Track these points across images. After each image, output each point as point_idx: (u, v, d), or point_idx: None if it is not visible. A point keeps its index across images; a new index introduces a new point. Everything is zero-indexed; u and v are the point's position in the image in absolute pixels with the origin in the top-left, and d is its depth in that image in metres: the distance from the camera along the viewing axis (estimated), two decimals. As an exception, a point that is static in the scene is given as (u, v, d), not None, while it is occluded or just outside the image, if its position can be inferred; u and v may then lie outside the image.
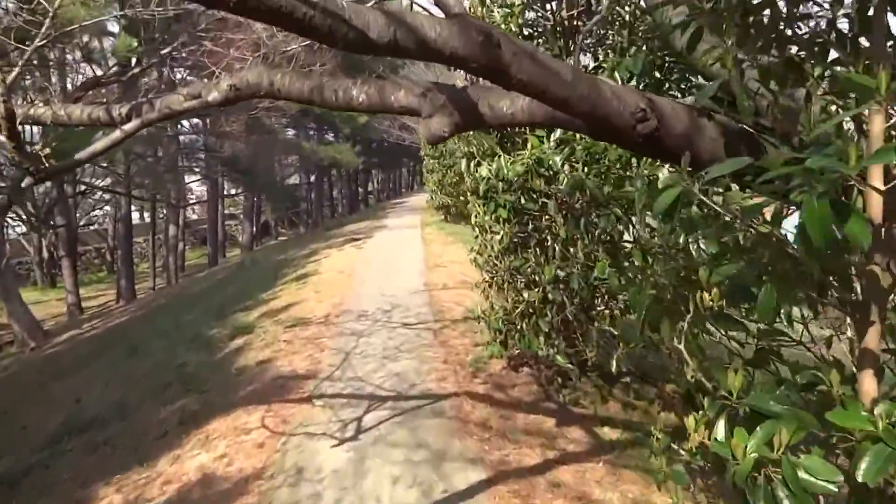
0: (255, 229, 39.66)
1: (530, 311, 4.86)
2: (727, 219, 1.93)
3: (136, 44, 17.38)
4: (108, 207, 36.07)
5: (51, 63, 17.86)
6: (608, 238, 4.11)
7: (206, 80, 3.30)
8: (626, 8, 4.48)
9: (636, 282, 3.44)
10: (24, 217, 22.02)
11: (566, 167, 4.20)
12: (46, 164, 2.59)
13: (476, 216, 5.64)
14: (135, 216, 39.10)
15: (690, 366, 2.20)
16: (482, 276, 5.87)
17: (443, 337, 7.01)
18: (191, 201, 36.97)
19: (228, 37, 15.32)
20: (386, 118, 34.68)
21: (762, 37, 2.05)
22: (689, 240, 2.35)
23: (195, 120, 28.92)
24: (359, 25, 1.63)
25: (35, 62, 16.07)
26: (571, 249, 4.45)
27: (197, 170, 32.25)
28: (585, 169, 4.02)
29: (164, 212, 33.23)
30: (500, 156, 4.72)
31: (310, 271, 12.74)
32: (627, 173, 3.91)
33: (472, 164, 5.31)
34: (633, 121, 2.09)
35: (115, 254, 30.43)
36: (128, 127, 2.63)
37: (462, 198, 19.80)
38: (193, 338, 9.46)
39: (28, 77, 15.25)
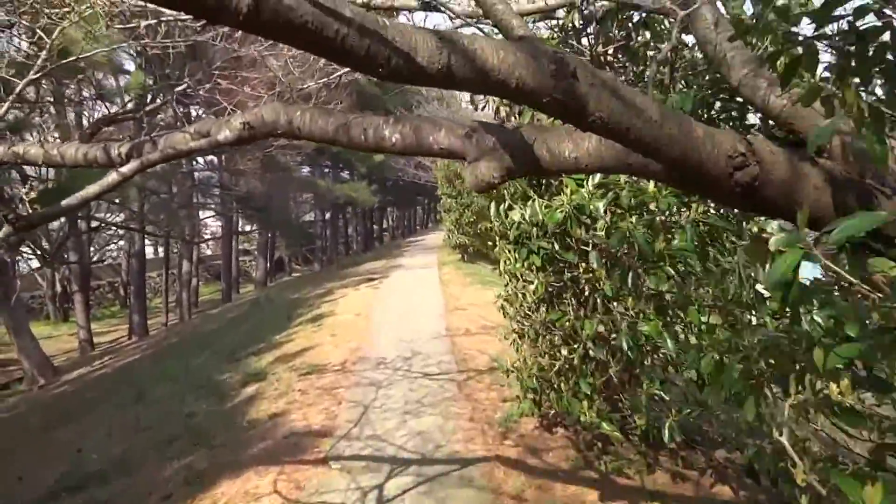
0: (269, 265, 39.51)
1: (568, 369, 4.44)
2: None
3: (150, 81, 17.48)
4: (122, 242, 36.11)
5: (67, 100, 17.95)
6: (658, 293, 3.70)
7: (215, 117, 2.94)
8: (667, 43, 4.15)
9: (700, 347, 3.02)
10: (37, 252, 21.91)
11: (609, 215, 3.82)
12: (30, 210, 2.25)
13: (506, 263, 5.26)
14: (149, 251, 39.19)
15: (801, 466, 1.78)
16: (511, 325, 5.46)
17: (468, 389, 6.56)
18: (205, 238, 36.89)
19: (243, 75, 15.30)
20: (402, 157, 34.70)
21: (870, 68, 1.69)
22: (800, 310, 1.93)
23: (210, 157, 29.02)
24: (404, 48, 1.28)
25: (50, 99, 16.15)
26: (615, 303, 4.05)
27: (212, 206, 32.26)
28: (632, 218, 3.63)
29: (178, 247, 33.16)
30: (533, 199, 4.35)
31: (325, 312, 12.37)
32: (677, 222, 3.52)
33: (501, 208, 4.95)
34: (729, 167, 1.71)
35: (129, 289, 30.32)
36: (126, 169, 2.29)
37: (480, 237, 19.49)
38: (203, 383, 9.07)
39: (43, 113, 15.27)
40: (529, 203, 4.38)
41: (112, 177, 2.25)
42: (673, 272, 3.48)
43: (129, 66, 20.01)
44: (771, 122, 2.35)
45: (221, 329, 15.50)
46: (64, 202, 2.26)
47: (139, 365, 14.66)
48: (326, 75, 18.20)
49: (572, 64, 1.42)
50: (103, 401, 11.14)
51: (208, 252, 48.46)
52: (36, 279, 30.87)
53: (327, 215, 46.93)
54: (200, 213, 33.79)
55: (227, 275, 35.23)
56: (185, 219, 29.02)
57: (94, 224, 26.53)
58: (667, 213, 3.55)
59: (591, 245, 4.19)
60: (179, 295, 30.19)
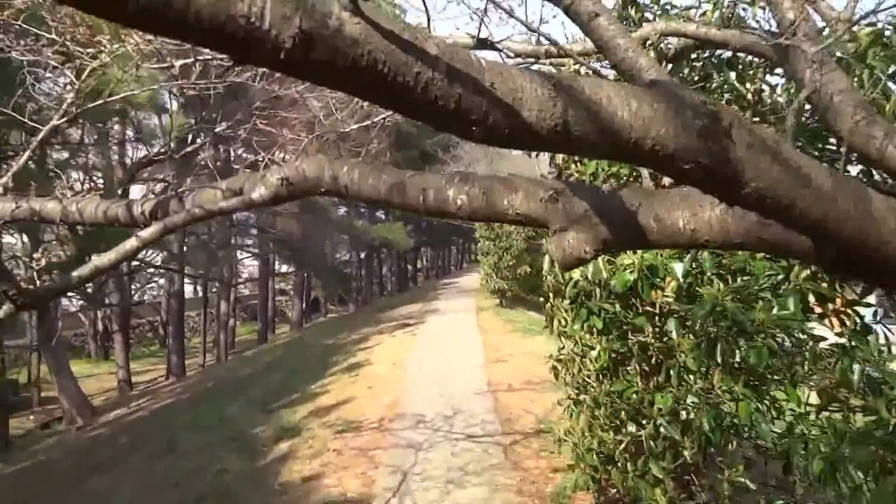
0: (304, 306, 39.49)
1: (635, 447, 3.96)
2: None
3: (190, 121, 17.68)
4: (162, 281, 36.55)
5: (110, 140, 18.23)
6: (748, 368, 3.23)
7: (248, 171, 2.60)
8: (750, 85, 3.74)
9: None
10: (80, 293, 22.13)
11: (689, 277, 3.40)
12: (37, 282, 1.94)
13: (560, 323, 4.84)
14: (188, 290, 39.51)
15: None
16: (566, 391, 5.00)
17: (514, 456, 6.07)
18: (243, 279, 37.08)
19: (283, 115, 15.32)
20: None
21: None
22: None
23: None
24: (506, 98, 0.91)
25: (91, 142, 16.36)
26: (691, 376, 3.59)
27: (249, 245, 32.47)
28: (720, 285, 3.20)
29: (216, 288, 33.35)
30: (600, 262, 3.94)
31: (361, 361, 12.00)
32: (771, 288, 3.08)
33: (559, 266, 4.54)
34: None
35: (168, 328, 30.45)
36: (146, 234, 1.97)
37: (519, 282, 19.03)
38: (236, 436, 8.72)
39: (83, 156, 15.44)
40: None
41: (130, 243, 1.93)
42: (775, 346, 3.02)
43: (172, 105, 20.29)
44: (889, 176, 1.94)
45: (256, 374, 15.22)
46: (76, 273, 1.95)
47: (173, 410, 14.43)
48: (366, 115, 18.22)
49: (727, 119, 1.04)
50: (137, 448, 10.91)
51: (245, 292, 48.79)
52: (79, 318, 31.30)
53: (362, 255, 46.98)
54: (238, 253, 34.09)
55: (263, 315, 35.29)
56: (223, 259, 29.22)
57: (134, 264, 26.88)
58: (765, 281, 3.12)
59: (662, 308, 3.77)
60: (217, 335, 30.21)
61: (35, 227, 15.65)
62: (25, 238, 16.12)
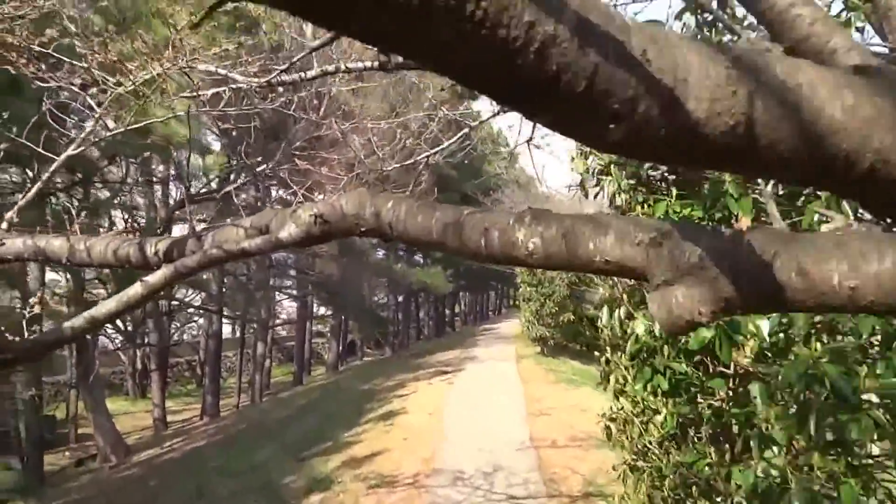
0: (340, 348, 39.27)
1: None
2: None
3: (232, 161, 17.79)
4: (201, 321, 36.83)
5: (154, 179, 18.47)
6: (852, 443, 2.76)
7: (277, 207, 2.29)
8: None
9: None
10: (120, 330, 22.28)
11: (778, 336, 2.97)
12: (19, 339, 1.64)
13: (617, 380, 4.41)
14: (226, 330, 39.73)
15: None
16: (622, 455, 4.53)
17: (562, 523, 5.58)
18: (280, 321, 37.13)
19: (323, 155, 15.31)
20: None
21: None
22: None
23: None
24: (666, 80, 0.57)
25: (136, 180, 16.54)
26: (776, 449, 3.12)
27: (288, 286, 32.56)
28: (816, 345, 2.76)
29: (254, 329, 33.43)
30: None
31: (396, 409, 11.58)
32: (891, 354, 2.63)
33: (616, 314, 4.15)
34: None
35: (205, 368, 30.51)
36: (153, 279, 1.67)
37: (562, 329, 18.45)
38: (265, 485, 8.35)
39: (126, 194, 15.59)
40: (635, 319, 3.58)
41: (135, 289, 1.63)
42: (883, 419, 2.56)
43: (215, 145, 20.54)
44: None
45: (290, 418, 14.90)
46: (68, 324, 1.65)
47: (205, 452, 14.15)
48: (409, 154, 18.12)
49: None
50: (166, 490, 10.62)
51: (283, 333, 48.90)
52: (119, 356, 31.64)
53: (400, 299, 46.76)
54: (277, 295, 34.19)
55: (300, 357, 35.19)
56: (261, 301, 29.29)
57: (174, 304, 27.15)
58: (865, 337, 2.67)
59: (740, 370, 3.33)
60: (252, 376, 30.12)
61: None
62: (69, 276, 16.31)
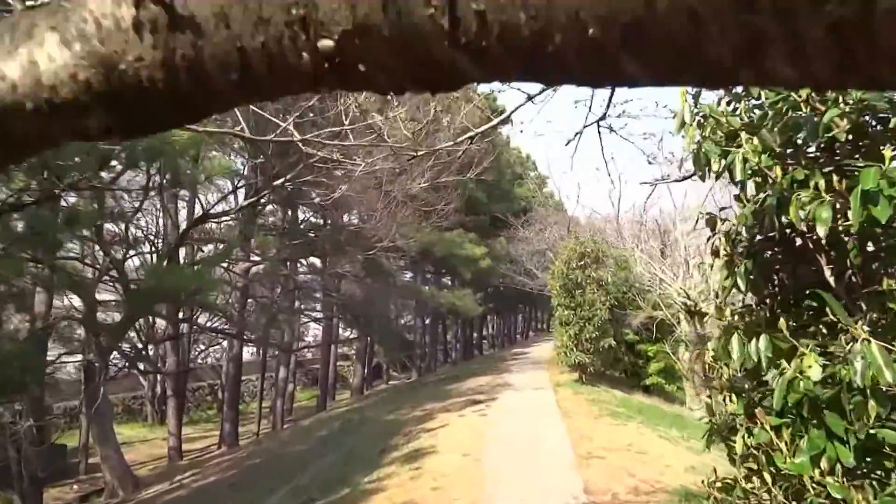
0: (366, 372, 38.02)
1: None
2: None
3: (253, 176, 16.73)
4: (225, 343, 35.86)
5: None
6: None
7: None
8: None
9: None
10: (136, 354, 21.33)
11: None
12: None
13: (748, 444, 3.09)
14: (248, 353, 38.79)
15: None
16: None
17: None
18: (304, 345, 35.97)
19: (349, 166, 14.20)
20: (507, 261, 32.98)
21: None
22: None
23: (312, 259, 28.43)
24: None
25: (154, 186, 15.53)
26: None
27: (312, 311, 31.43)
28: None
29: (276, 352, 32.34)
30: (859, 343, 2.22)
31: (425, 447, 10.24)
32: None
33: (754, 344, 2.84)
34: None
35: (224, 394, 29.48)
36: None
37: (602, 355, 16.98)
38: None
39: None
40: (852, 348, 2.25)
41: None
42: None
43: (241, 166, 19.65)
44: None
45: (307, 453, 13.67)
46: None
47: (215, 491, 12.96)
48: (438, 174, 16.90)
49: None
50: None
51: (308, 356, 47.82)
52: (139, 379, 30.79)
53: (427, 321, 45.48)
54: (302, 317, 33.12)
55: (324, 382, 34.01)
56: (284, 323, 28.23)
57: (190, 328, 26.22)
58: None
59: None
60: (274, 402, 28.97)
61: (88, 286, 14.94)
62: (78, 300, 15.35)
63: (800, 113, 2.84)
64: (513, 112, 4.85)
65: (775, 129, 2.83)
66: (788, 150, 2.90)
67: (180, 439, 22.04)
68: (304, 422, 25.98)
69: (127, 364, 17.18)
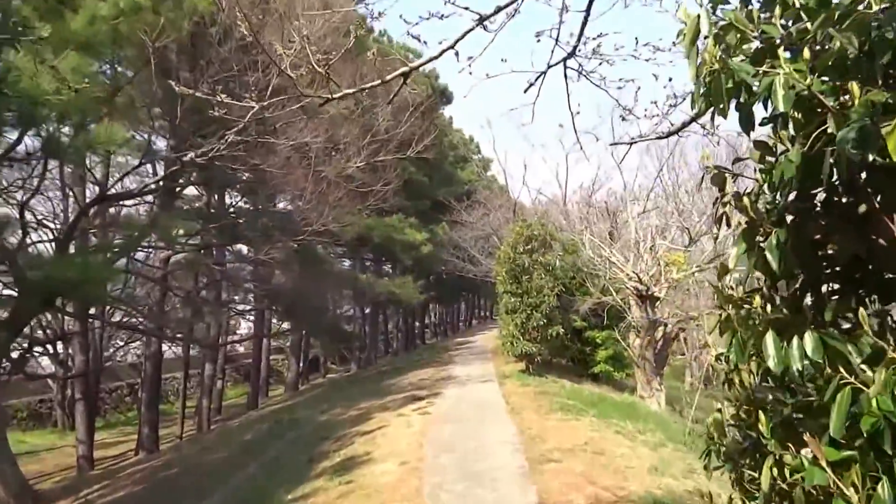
0: (301, 367, 36.43)
1: None
2: None
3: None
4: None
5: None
6: None
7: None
8: None
9: None
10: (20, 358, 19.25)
11: None
12: None
13: (774, 466, 2.08)
14: (172, 349, 36.68)
15: None
16: None
17: None
18: (233, 338, 34.07)
19: (271, 141, 12.81)
20: (450, 246, 31.96)
21: None
22: None
23: (239, 246, 26.75)
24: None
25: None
26: None
27: (240, 300, 29.57)
28: None
29: (199, 348, 30.39)
30: None
31: (359, 454, 9.08)
32: None
33: (811, 357, 1.83)
34: None
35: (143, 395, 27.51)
36: None
37: (550, 343, 16.15)
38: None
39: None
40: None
41: None
42: None
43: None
44: None
45: (228, 462, 12.34)
46: None
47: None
48: (374, 153, 15.57)
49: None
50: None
51: (240, 349, 45.82)
52: (48, 382, 28.39)
53: (366, 311, 44.14)
54: (230, 310, 31.27)
55: (255, 378, 32.33)
56: (209, 317, 26.49)
57: (103, 325, 24.19)
58: None
59: None
60: (199, 402, 27.18)
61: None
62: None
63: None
64: (459, 40, 3.78)
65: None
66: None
67: (91, 447, 20.08)
68: (232, 422, 24.40)
69: (13, 368, 15.17)
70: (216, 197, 23.37)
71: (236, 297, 29.63)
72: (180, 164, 12.57)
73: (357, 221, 21.86)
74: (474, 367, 18.48)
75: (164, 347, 38.02)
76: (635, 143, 4.26)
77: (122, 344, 34.69)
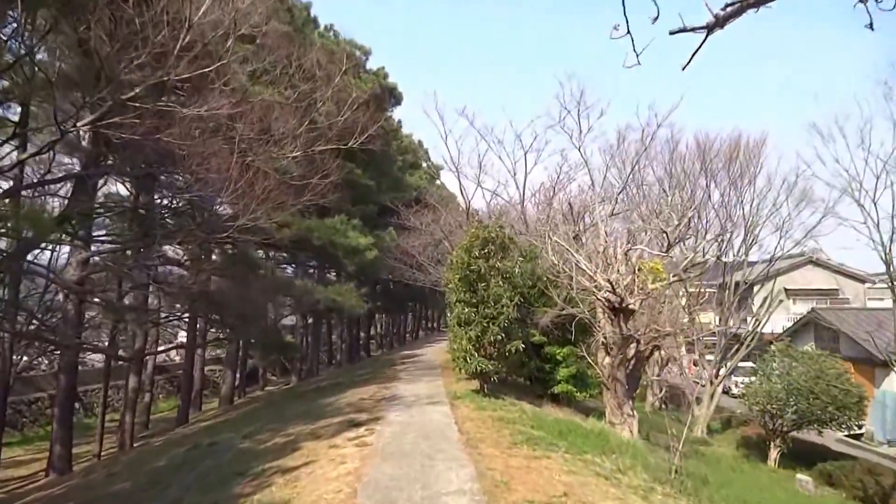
0: (236, 378, 33.84)
1: None
2: None
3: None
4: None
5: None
6: None
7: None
8: None
9: None
10: None
11: None
12: None
13: None
14: (96, 359, 33.72)
15: None
16: None
17: None
18: (159, 350, 31.20)
19: (182, 112, 10.74)
20: (397, 253, 30.03)
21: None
22: None
23: (168, 248, 24.29)
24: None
25: None
26: None
27: (163, 306, 26.86)
28: None
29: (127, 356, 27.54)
30: None
31: (275, 502, 7.13)
32: None
33: None
34: None
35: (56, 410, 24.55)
36: None
37: (508, 360, 14.44)
38: None
39: None
40: None
41: None
42: None
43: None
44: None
45: (127, 499, 10.22)
46: None
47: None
48: (311, 142, 13.48)
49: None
50: None
51: (177, 359, 42.68)
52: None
53: (309, 320, 41.81)
54: (158, 317, 28.55)
55: (186, 391, 29.68)
56: (133, 324, 23.86)
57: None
58: None
59: None
60: (122, 417, 24.44)
61: None
62: None
63: None
64: None
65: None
66: None
67: (-4, 466, 17.59)
68: (155, 441, 21.90)
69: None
70: (135, 190, 21.02)
71: (163, 305, 26.96)
72: (60, 135, 10.30)
73: (293, 221, 19.79)
74: (422, 385, 16.62)
75: (91, 357, 34.72)
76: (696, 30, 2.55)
77: (38, 353, 31.33)
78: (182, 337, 41.31)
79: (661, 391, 31.23)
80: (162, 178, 18.39)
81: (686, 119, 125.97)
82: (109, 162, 17.96)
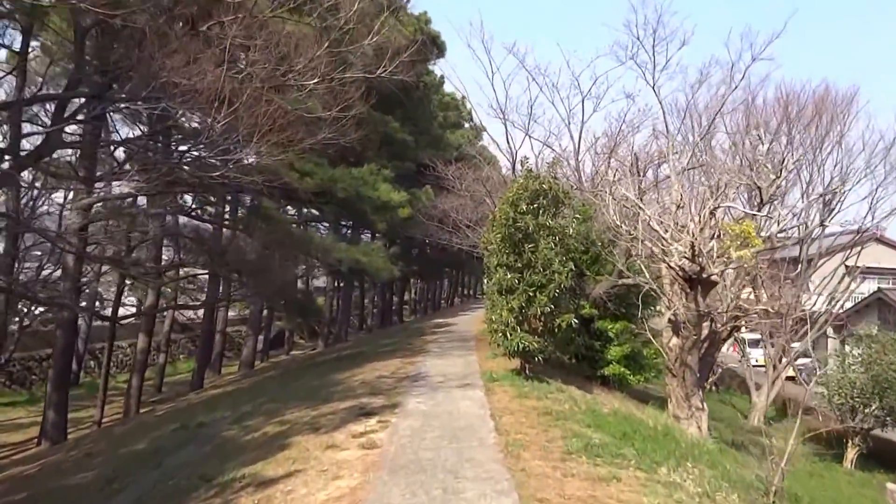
0: (257, 341, 32.15)
1: None
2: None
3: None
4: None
5: None
6: None
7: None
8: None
9: None
10: None
11: None
12: None
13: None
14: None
15: None
16: None
17: None
18: (177, 306, 29.58)
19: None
20: (435, 214, 27.62)
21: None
22: None
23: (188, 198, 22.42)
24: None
25: None
26: None
27: (177, 261, 25.10)
28: None
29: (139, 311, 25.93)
30: None
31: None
32: None
33: None
34: None
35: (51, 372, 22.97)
36: None
37: (556, 337, 12.06)
38: None
39: None
40: None
41: None
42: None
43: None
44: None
45: (105, 482, 8.31)
46: None
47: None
48: (334, 69, 10.95)
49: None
50: None
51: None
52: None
53: (340, 284, 40.02)
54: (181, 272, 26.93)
55: (204, 353, 28.02)
56: (141, 279, 22.16)
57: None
58: None
59: None
60: (130, 380, 22.88)
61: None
62: None
63: None
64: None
65: None
66: None
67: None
68: (160, 409, 20.28)
69: None
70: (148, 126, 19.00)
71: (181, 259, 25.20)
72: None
73: (316, 170, 17.53)
74: (452, 362, 14.37)
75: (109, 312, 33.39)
76: None
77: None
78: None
79: (715, 373, 28.55)
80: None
81: (786, 57, 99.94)
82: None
